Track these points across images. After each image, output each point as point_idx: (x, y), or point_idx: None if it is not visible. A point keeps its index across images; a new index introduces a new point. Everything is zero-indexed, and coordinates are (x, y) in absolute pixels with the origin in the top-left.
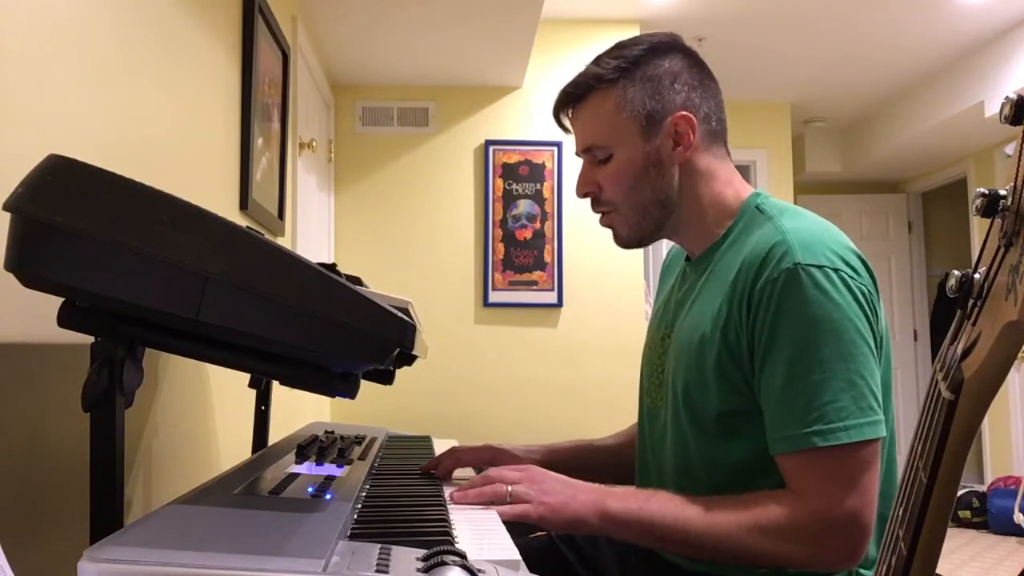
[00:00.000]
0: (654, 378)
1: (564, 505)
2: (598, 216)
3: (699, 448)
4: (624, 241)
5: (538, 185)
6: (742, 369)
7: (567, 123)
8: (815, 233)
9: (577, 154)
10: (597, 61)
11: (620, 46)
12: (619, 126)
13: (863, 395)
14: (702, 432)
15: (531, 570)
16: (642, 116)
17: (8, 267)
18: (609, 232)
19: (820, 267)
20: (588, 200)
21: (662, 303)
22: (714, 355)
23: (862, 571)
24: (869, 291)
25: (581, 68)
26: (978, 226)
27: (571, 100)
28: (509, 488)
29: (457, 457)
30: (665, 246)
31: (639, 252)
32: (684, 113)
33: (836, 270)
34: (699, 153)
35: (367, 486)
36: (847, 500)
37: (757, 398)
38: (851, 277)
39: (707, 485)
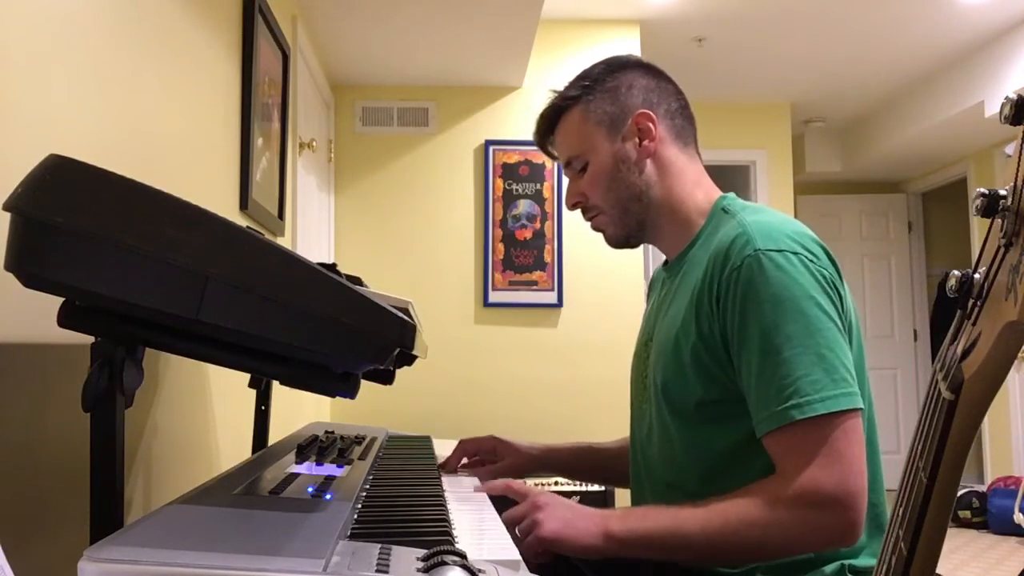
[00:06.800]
0: (639, 383)
1: (569, 532)
2: (590, 223)
3: (682, 440)
4: (613, 240)
5: (538, 185)
6: (717, 359)
7: (551, 149)
8: (774, 224)
9: (565, 173)
10: (563, 88)
11: (581, 73)
12: (587, 135)
13: (834, 367)
14: (683, 424)
15: (538, 573)
16: (606, 122)
17: (8, 267)
18: None
19: (779, 251)
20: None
21: (645, 316)
22: (690, 347)
23: (855, 564)
24: (830, 274)
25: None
26: (978, 226)
27: (547, 124)
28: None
29: (464, 449)
30: None
31: (639, 252)
32: (643, 111)
33: (795, 253)
34: (666, 147)
35: (367, 486)
36: (831, 471)
37: (737, 386)
38: (810, 260)
39: (696, 477)
